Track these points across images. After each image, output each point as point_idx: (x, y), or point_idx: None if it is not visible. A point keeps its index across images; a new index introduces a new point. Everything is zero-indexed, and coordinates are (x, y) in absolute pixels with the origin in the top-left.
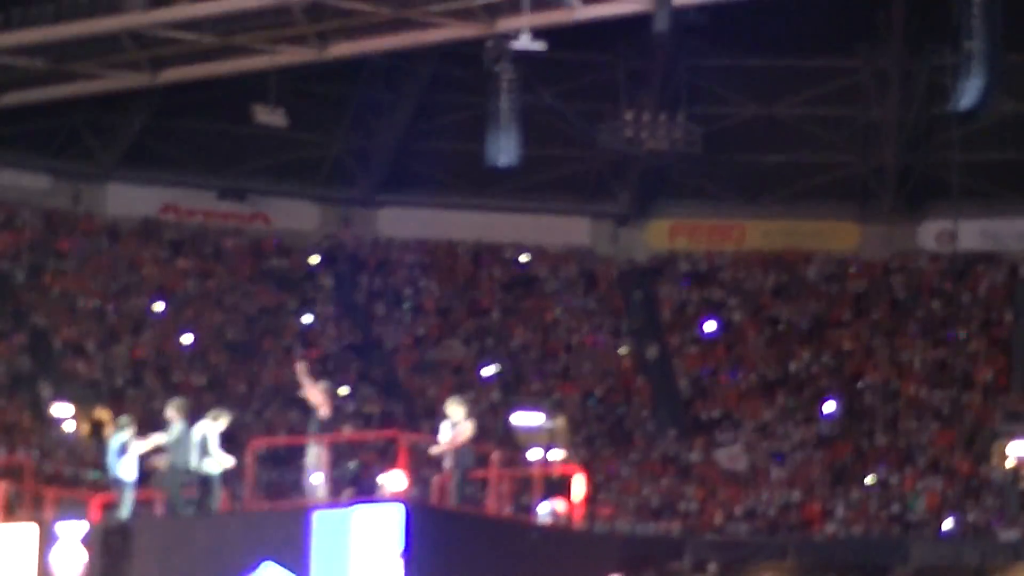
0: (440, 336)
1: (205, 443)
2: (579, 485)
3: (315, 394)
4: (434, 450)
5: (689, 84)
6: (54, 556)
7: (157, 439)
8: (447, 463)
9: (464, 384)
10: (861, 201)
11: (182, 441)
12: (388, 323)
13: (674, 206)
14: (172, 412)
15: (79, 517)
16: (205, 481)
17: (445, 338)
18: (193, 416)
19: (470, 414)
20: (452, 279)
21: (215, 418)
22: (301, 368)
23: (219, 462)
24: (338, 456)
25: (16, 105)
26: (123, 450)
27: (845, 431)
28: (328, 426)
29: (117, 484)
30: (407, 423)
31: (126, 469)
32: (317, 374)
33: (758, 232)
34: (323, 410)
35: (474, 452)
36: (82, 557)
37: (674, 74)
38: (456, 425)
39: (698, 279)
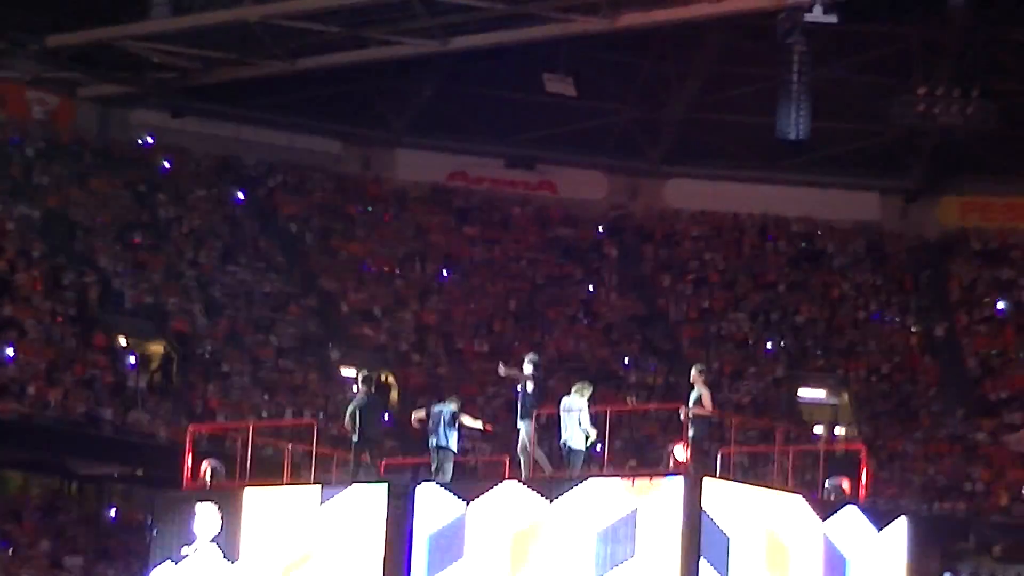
0: (725, 309)
1: (579, 417)
2: (864, 462)
3: (515, 373)
4: (683, 416)
5: (986, 58)
6: (335, 514)
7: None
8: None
9: (748, 358)
10: None
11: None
12: (673, 295)
13: (966, 183)
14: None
15: (362, 480)
16: (570, 454)
17: (730, 311)
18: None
19: (706, 381)
20: (738, 252)
21: (582, 392)
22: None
23: (588, 434)
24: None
25: (310, 70)
26: (452, 421)
27: None
28: (533, 401)
29: (440, 452)
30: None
31: (452, 439)
32: (600, 344)
33: None
34: (529, 385)
35: (709, 421)
36: (369, 518)
37: (971, 47)
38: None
39: (989, 257)
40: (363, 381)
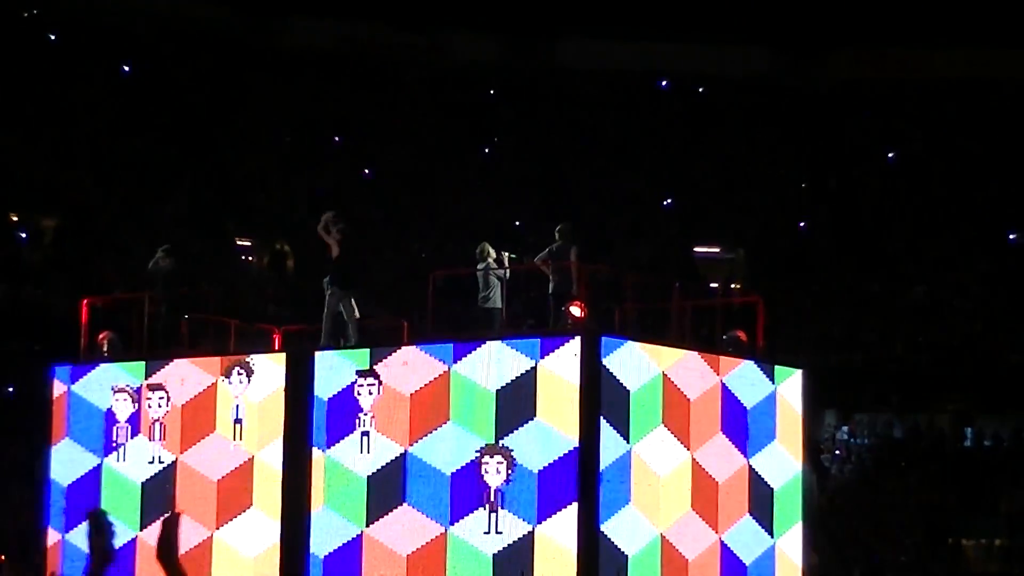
0: (620, 168)
1: (491, 275)
2: (761, 315)
3: (327, 237)
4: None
5: None
6: (244, 386)
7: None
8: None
9: (644, 216)
10: None
11: None
12: (567, 156)
13: (858, 35)
14: None
15: (260, 349)
16: (487, 313)
17: (625, 170)
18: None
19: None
20: (633, 111)
21: (484, 253)
22: (327, 217)
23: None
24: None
25: None
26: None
27: None
28: (340, 266)
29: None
30: (586, 256)
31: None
32: (496, 207)
33: (943, 61)
34: (333, 249)
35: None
36: (271, 386)
37: None
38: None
39: (881, 109)
40: (167, 253)
